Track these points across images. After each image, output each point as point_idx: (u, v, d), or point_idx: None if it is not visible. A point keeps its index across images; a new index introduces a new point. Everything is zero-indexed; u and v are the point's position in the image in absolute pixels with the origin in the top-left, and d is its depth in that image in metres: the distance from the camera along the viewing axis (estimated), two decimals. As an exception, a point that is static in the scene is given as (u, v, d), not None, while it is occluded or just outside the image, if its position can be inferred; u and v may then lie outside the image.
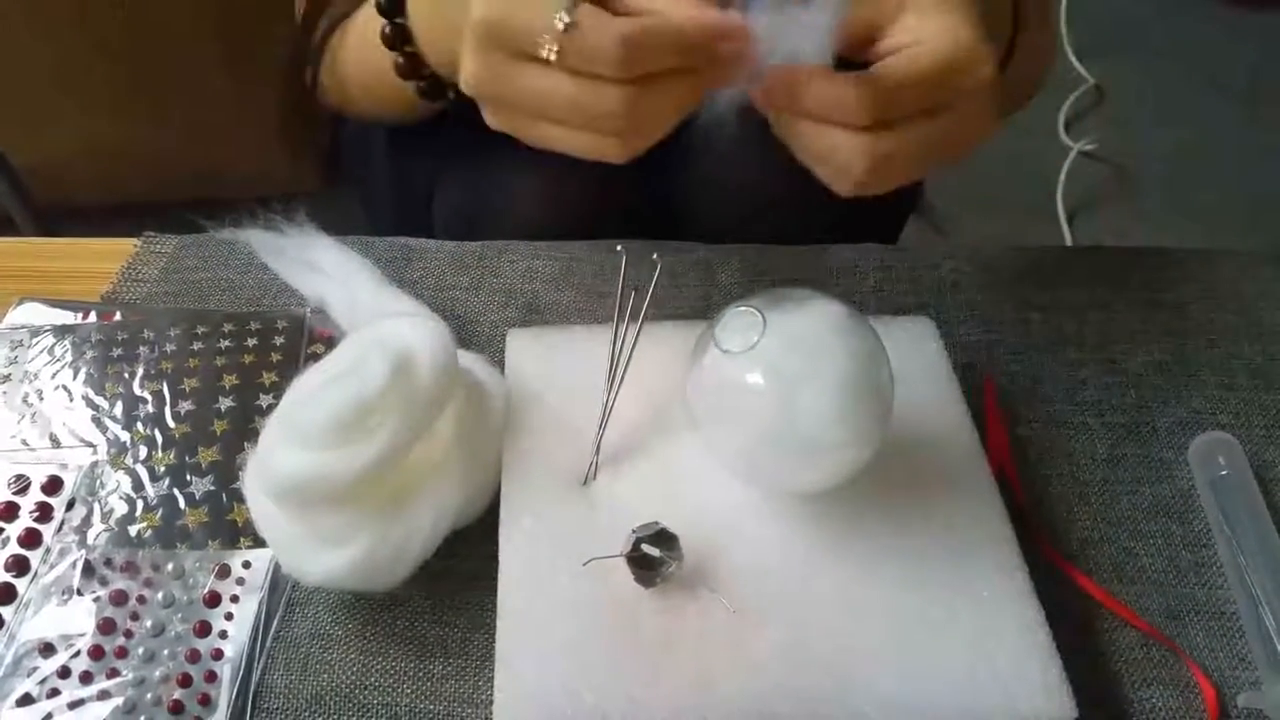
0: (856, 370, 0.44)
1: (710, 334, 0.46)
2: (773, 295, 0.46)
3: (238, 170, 1.49)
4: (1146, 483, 0.54)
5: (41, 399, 0.56)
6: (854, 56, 0.46)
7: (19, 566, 0.49)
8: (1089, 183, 1.87)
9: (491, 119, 0.46)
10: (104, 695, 0.45)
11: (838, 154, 0.44)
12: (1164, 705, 0.46)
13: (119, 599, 0.48)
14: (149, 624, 0.47)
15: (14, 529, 0.50)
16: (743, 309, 0.45)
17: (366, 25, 0.62)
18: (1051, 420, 0.57)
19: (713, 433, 0.48)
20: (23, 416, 0.56)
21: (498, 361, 0.56)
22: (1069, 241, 1.77)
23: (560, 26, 0.41)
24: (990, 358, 0.59)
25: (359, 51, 0.65)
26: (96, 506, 0.52)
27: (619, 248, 0.48)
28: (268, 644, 0.47)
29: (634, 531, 0.45)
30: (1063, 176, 1.86)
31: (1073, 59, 2.02)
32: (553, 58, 0.42)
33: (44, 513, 0.51)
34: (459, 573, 0.49)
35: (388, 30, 0.57)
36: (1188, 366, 0.59)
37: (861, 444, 0.45)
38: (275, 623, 0.48)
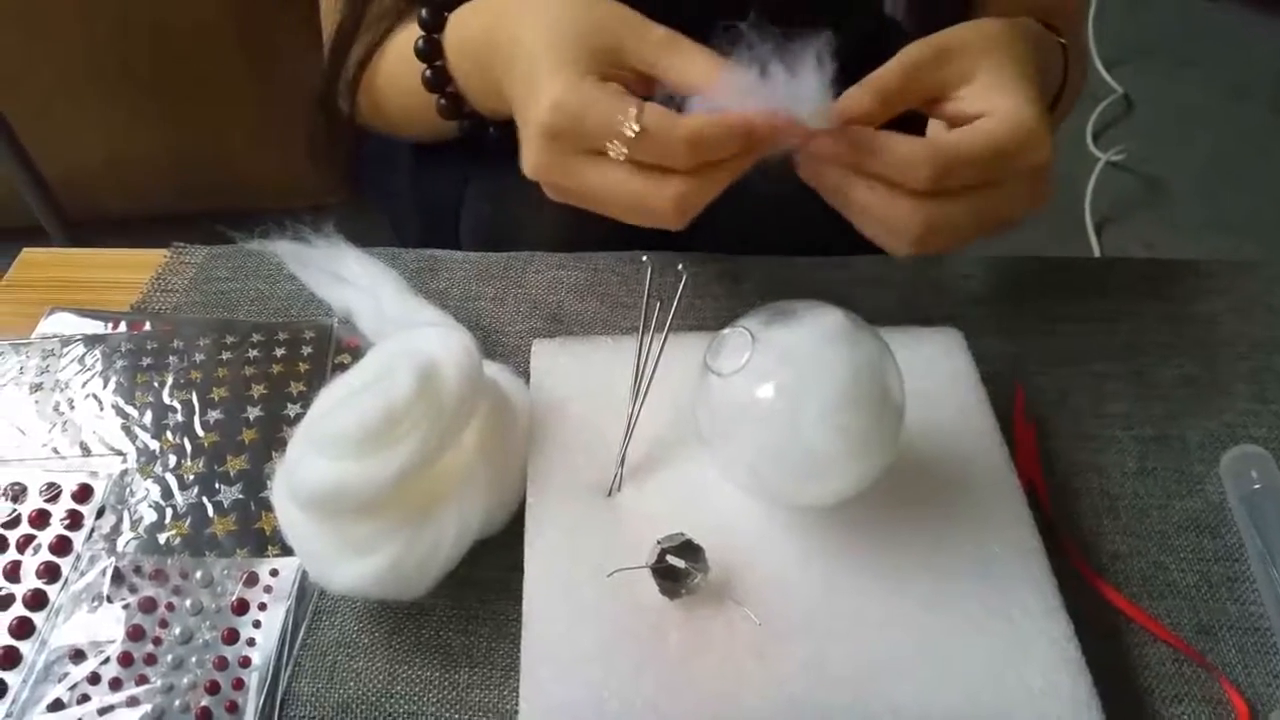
0: (854, 382, 0.44)
1: (705, 356, 0.46)
2: (773, 310, 0.46)
3: (263, 181, 1.50)
4: (1177, 496, 0.53)
5: (72, 408, 0.57)
6: (921, 111, 0.49)
7: (50, 573, 0.50)
8: (1117, 193, 1.86)
9: (551, 194, 0.49)
10: (133, 702, 0.45)
11: (893, 217, 0.46)
12: (1195, 721, 0.45)
13: (148, 606, 0.48)
14: (177, 631, 0.48)
15: (45, 536, 0.51)
16: (733, 330, 0.46)
17: (403, 59, 0.63)
18: (1080, 433, 0.56)
19: (718, 452, 0.48)
20: (54, 425, 0.56)
21: (523, 372, 0.56)
22: (1097, 252, 1.76)
23: (630, 134, 0.44)
24: (1018, 370, 0.59)
25: (396, 85, 0.65)
26: (126, 514, 0.52)
27: (644, 258, 0.49)
28: (295, 652, 0.47)
29: (659, 543, 0.44)
30: (1091, 187, 1.85)
31: (1100, 69, 2.01)
32: (621, 158, 0.45)
33: (74, 520, 0.52)
34: (484, 582, 0.49)
35: (428, 74, 0.58)
36: (1218, 379, 0.59)
37: (867, 455, 0.45)
38: (302, 631, 0.48)
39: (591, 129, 0.45)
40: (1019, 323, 0.62)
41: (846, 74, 0.46)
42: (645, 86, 0.48)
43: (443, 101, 0.59)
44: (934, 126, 0.52)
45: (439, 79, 0.58)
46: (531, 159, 0.47)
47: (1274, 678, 0.47)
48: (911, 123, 0.50)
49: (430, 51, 0.58)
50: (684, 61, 0.46)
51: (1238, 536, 0.52)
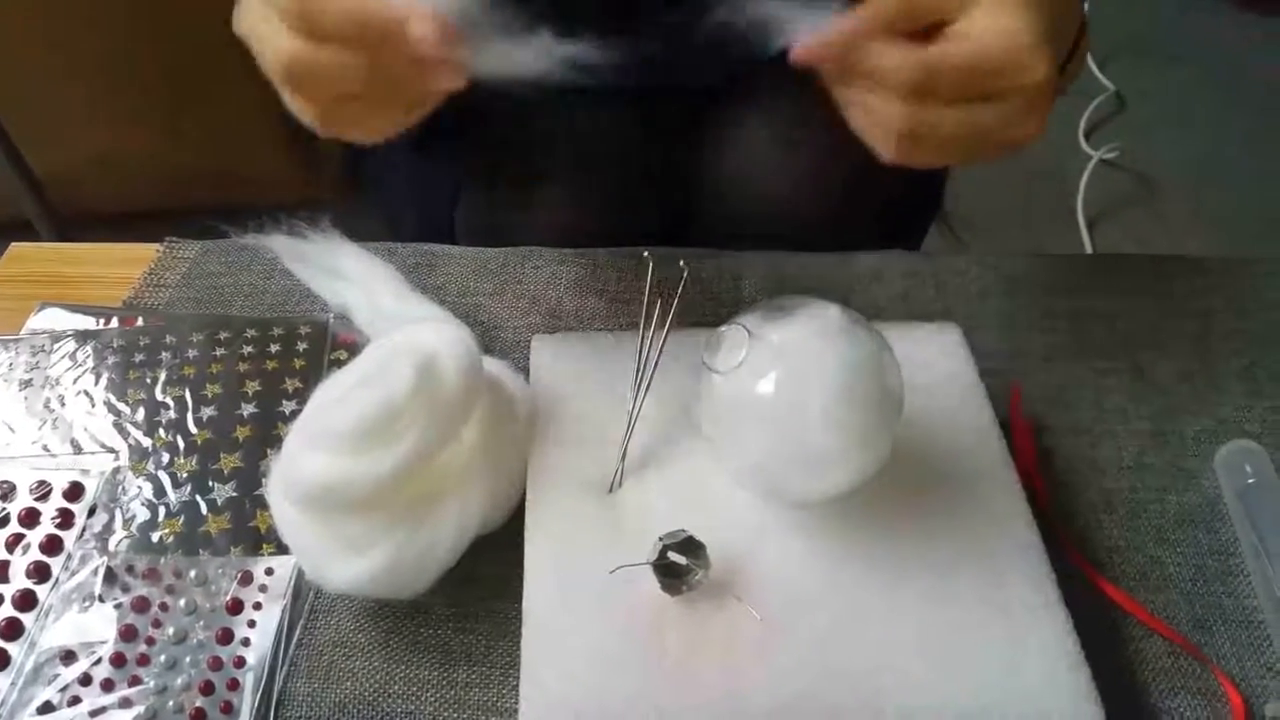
0: (850, 377, 0.44)
1: (702, 353, 0.46)
2: (771, 306, 0.46)
3: (256, 177, 1.49)
4: (1173, 491, 0.54)
5: (63, 404, 0.57)
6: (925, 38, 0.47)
7: (40, 573, 0.49)
8: (1109, 190, 1.86)
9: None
10: (126, 703, 0.45)
11: (880, 111, 0.45)
12: (1191, 714, 0.45)
13: (141, 606, 0.48)
14: (171, 631, 0.47)
15: (35, 535, 0.50)
16: (730, 327, 0.46)
17: None
18: (1077, 428, 0.56)
19: (717, 449, 0.48)
20: (44, 422, 0.56)
21: (522, 368, 0.56)
22: (1089, 249, 1.76)
23: None
24: (1016, 366, 0.59)
25: None
26: (118, 513, 0.52)
27: (645, 254, 0.48)
28: (290, 651, 0.47)
29: (660, 539, 0.44)
30: (1083, 184, 1.85)
31: (1093, 67, 2.01)
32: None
33: (65, 519, 0.51)
34: (483, 580, 0.49)
35: None
36: (1213, 374, 0.59)
37: (864, 450, 0.45)
38: (298, 630, 0.48)
39: None
40: (1016, 319, 0.62)
41: None
42: None
43: None
44: None
45: None
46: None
47: (1268, 670, 0.47)
48: None
49: None
50: None
51: (1232, 531, 0.52)
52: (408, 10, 0.42)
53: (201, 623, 0.48)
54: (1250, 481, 0.52)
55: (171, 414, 0.56)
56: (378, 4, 0.42)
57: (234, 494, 0.52)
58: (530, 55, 0.44)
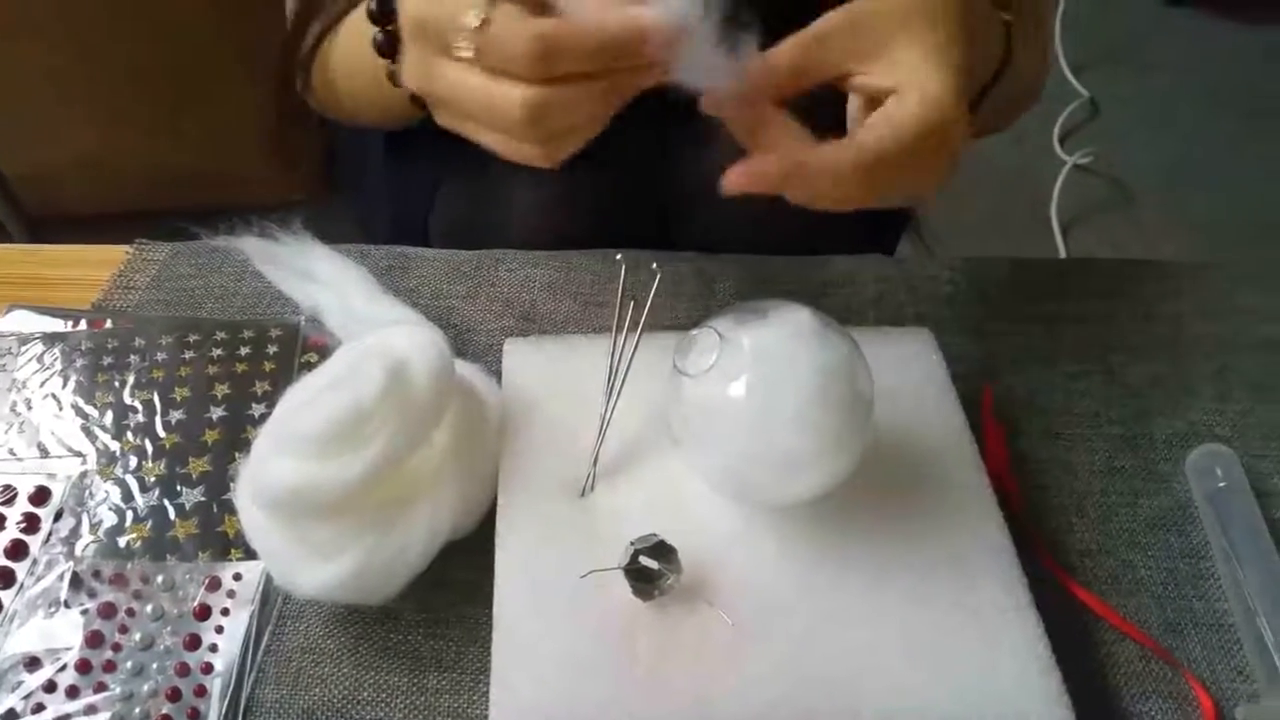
0: (822, 382, 0.44)
1: (674, 356, 0.46)
2: (743, 310, 0.46)
3: (231, 179, 1.48)
4: (1144, 495, 0.54)
5: (30, 408, 0.56)
6: (834, 85, 0.47)
7: (4, 579, 0.48)
8: (1083, 196, 1.88)
9: (435, 114, 0.47)
10: (91, 710, 0.44)
11: (817, 201, 0.44)
12: (1162, 717, 0.46)
13: (107, 612, 0.47)
14: (138, 637, 0.47)
15: (0, 540, 0.50)
16: (702, 330, 0.46)
17: (357, 31, 0.62)
18: (1049, 432, 0.56)
19: (689, 453, 0.48)
20: (10, 425, 0.55)
21: (494, 371, 0.55)
22: (1063, 253, 1.78)
23: (474, 24, 0.41)
24: (988, 369, 0.59)
25: (350, 56, 0.64)
26: (85, 517, 0.51)
27: (618, 257, 0.48)
28: (259, 658, 0.46)
29: (632, 544, 0.44)
30: (1057, 189, 1.86)
31: (1067, 73, 2.03)
32: (468, 55, 0.42)
33: (31, 524, 0.51)
34: (454, 585, 0.48)
35: (380, 38, 0.57)
36: (1184, 379, 0.59)
37: (836, 453, 0.45)
38: (266, 636, 0.47)
39: (442, 19, 0.42)
40: (989, 323, 0.62)
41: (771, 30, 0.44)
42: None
43: (393, 66, 0.58)
44: (853, 101, 0.51)
45: (390, 43, 0.57)
46: (405, 62, 0.46)
47: (1239, 674, 0.47)
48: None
49: (383, 15, 0.57)
50: None
51: (1203, 534, 0.52)
52: (643, 22, 0.41)
53: (169, 629, 0.47)
54: (1221, 485, 0.53)
55: (140, 417, 0.55)
56: (614, 23, 0.41)
57: (202, 498, 0.52)
58: (725, 71, 0.44)
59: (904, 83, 0.44)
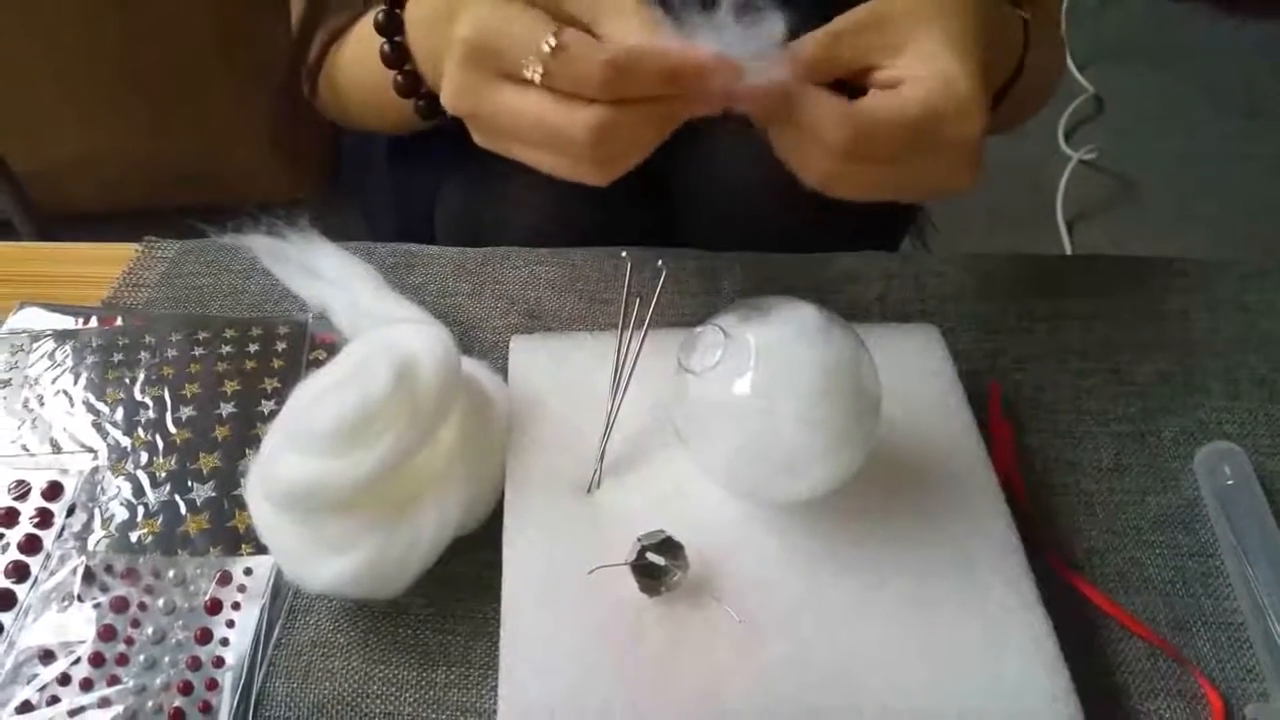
0: (827, 378, 0.44)
1: (678, 354, 0.46)
2: (747, 306, 0.46)
3: (238, 176, 1.49)
4: (1152, 493, 0.54)
5: (42, 404, 0.56)
6: (853, 82, 0.47)
7: (19, 573, 0.49)
8: (1088, 192, 1.88)
9: (475, 135, 0.47)
10: (105, 703, 0.44)
11: (805, 160, 0.45)
12: (1171, 716, 0.45)
13: (120, 606, 0.48)
14: (150, 631, 0.47)
15: (14, 535, 0.50)
16: (706, 327, 0.46)
17: (365, 41, 0.62)
18: (1056, 430, 0.56)
19: (694, 450, 0.48)
20: (23, 421, 0.55)
21: (500, 368, 0.55)
22: (1068, 250, 1.78)
23: (547, 50, 0.42)
24: (994, 367, 0.59)
25: (357, 66, 0.64)
26: (97, 512, 0.51)
27: (623, 254, 0.48)
28: (269, 651, 0.47)
29: (639, 540, 0.44)
30: (1062, 185, 1.86)
31: (1072, 69, 2.03)
32: (537, 79, 0.43)
33: (44, 518, 0.51)
34: (462, 580, 0.48)
35: (387, 49, 0.57)
36: (1192, 376, 0.59)
37: (842, 450, 0.45)
38: (277, 630, 0.47)
39: (510, 45, 0.43)
40: (996, 320, 0.62)
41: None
42: None
43: (400, 78, 0.58)
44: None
45: (398, 54, 0.57)
46: (450, 85, 0.46)
47: (1248, 672, 0.47)
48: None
49: (390, 26, 0.57)
50: (620, 20, 0.44)
51: (1211, 532, 0.52)
52: (705, 53, 0.42)
53: (180, 623, 0.47)
54: (1229, 483, 0.53)
55: (150, 414, 0.56)
56: (678, 52, 0.42)
57: (213, 494, 0.52)
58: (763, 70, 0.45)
59: (921, 68, 0.45)
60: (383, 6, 0.56)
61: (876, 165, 0.45)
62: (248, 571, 0.49)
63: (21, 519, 0.51)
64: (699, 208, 0.74)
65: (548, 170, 0.45)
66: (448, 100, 0.46)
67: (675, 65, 0.42)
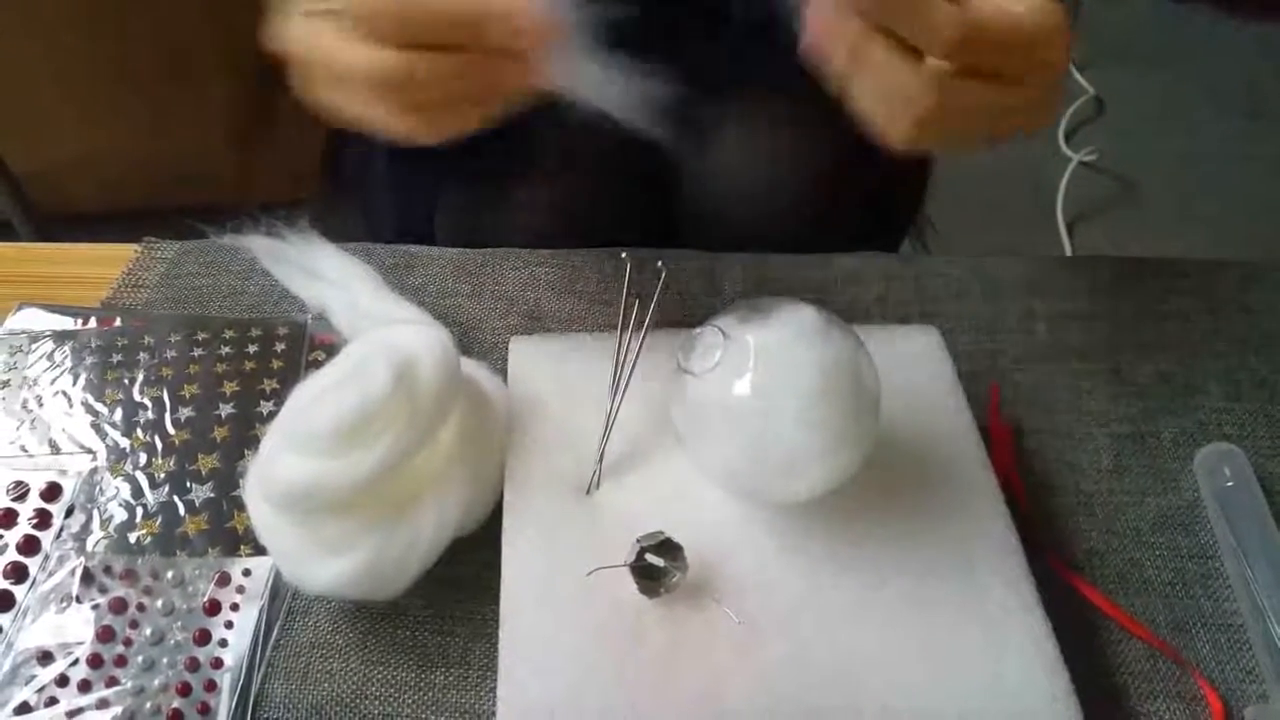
0: (826, 379, 0.44)
1: (677, 355, 0.46)
2: (747, 307, 0.46)
3: (237, 177, 1.49)
4: (1152, 494, 0.54)
5: (41, 405, 0.56)
6: None
7: (17, 574, 0.49)
8: (1089, 193, 1.88)
9: (294, 84, 0.46)
10: (103, 704, 0.44)
11: (908, 84, 0.42)
12: (1170, 718, 0.45)
13: (118, 607, 0.48)
14: (148, 632, 0.47)
15: (12, 536, 0.50)
16: (705, 328, 0.46)
17: None
18: (1056, 431, 0.56)
19: (694, 451, 0.48)
20: (22, 422, 0.55)
21: (500, 369, 0.55)
22: (1068, 251, 1.77)
23: None
24: (994, 368, 0.59)
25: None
26: (96, 513, 0.51)
27: (623, 255, 0.48)
28: (268, 653, 0.47)
29: (638, 541, 0.44)
30: (1063, 187, 1.86)
31: (1072, 70, 2.03)
32: (318, 9, 0.42)
33: (43, 519, 0.51)
34: (461, 582, 0.48)
35: None
36: (1192, 377, 0.59)
37: (840, 452, 0.45)
38: (276, 631, 0.47)
39: None
40: (996, 320, 0.62)
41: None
42: None
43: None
44: None
45: None
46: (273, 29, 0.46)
47: (1248, 674, 0.47)
48: None
49: None
50: None
51: (1211, 533, 0.52)
52: (505, 2, 0.41)
53: (179, 624, 0.47)
54: (1229, 484, 0.53)
55: (149, 414, 0.56)
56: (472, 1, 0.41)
57: (211, 495, 0.52)
58: (615, 92, 0.43)
59: None
60: None
61: (975, 86, 0.42)
62: (246, 573, 0.49)
63: (20, 520, 0.51)
64: (699, 209, 0.74)
65: (379, 127, 0.45)
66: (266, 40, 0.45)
67: (456, 10, 0.41)
